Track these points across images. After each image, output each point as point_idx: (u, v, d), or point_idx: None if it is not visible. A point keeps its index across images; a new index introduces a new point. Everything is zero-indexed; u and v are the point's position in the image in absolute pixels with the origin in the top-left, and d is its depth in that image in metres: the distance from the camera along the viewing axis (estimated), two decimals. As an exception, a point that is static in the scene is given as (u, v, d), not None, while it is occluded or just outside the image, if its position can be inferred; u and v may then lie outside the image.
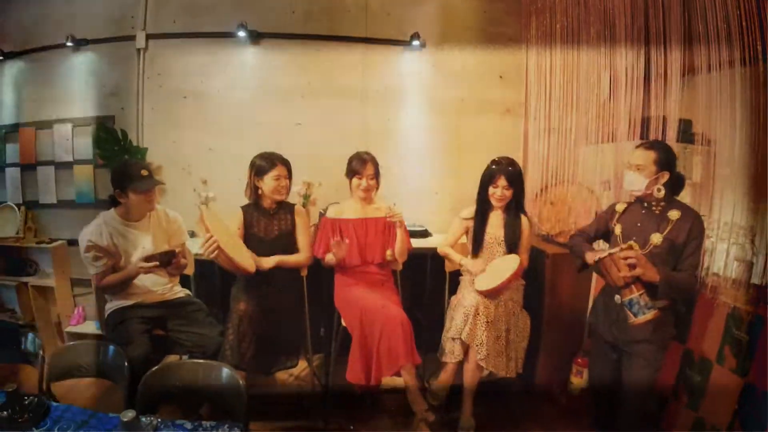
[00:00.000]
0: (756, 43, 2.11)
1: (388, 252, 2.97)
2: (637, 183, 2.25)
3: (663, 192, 2.21)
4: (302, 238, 2.96)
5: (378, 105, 3.84)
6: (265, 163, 2.84)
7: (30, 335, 2.33)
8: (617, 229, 2.36)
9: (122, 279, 2.58)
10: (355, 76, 3.79)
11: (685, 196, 2.39)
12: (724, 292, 2.34)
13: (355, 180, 2.94)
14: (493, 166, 2.83)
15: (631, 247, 2.19)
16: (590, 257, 2.30)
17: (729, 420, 2.26)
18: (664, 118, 2.63)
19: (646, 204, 2.30)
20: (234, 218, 2.86)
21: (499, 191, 2.80)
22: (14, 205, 3.88)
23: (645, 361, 2.26)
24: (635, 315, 2.10)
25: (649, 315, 2.08)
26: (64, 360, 2.21)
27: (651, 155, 2.22)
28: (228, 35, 3.67)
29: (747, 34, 2.14)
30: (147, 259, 2.45)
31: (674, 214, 2.19)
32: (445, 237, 3.08)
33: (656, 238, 2.20)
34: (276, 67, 3.76)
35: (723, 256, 2.35)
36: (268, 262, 2.75)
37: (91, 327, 3.79)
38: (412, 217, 3.54)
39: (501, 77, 3.90)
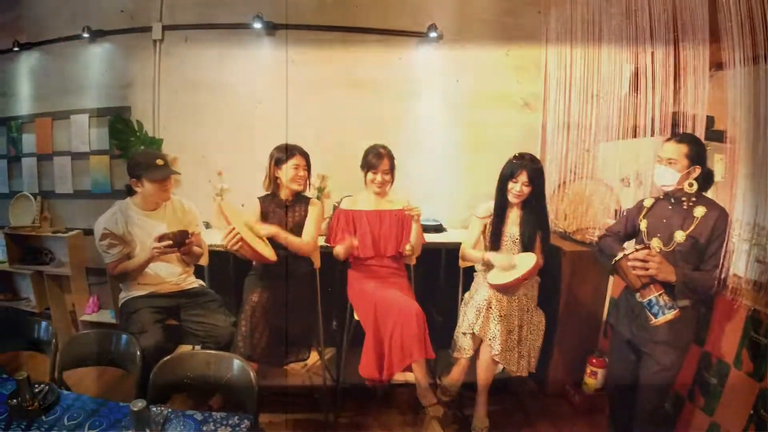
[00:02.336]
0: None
1: (407, 246, 2.93)
2: (668, 177, 2.19)
3: (695, 187, 2.15)
4: (309, 227, 2.92)
5: (393, 97, 3.79)
6: (284, 154, 2.85)
7: (43, 323, 2.35)
8: (642, 225, 2.31)
9: (136, 265, 2.59)
10: (370, 68, 3.75)
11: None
12: (744, 294, 2.28)
13: (369, 174, 2.91)
14: (515, 161, 2.75)
15: (647, 247, 2.14)
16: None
17: (744, 425, 2.21)
18: (687, 114, 2.57)
19: (674, 199, 2.23)
20: (251, 208, 2.87)
21: (518, 187, 2.72)
22: (30, 195, 3.90)
23: (662, 364, 2.21)
24: (655, 316, 2.06)
25: (670, 315, 2.04)
26: (76, 349, 2.22)
27: (683, 149, 2.17)
28: (244, 26, 3.66)
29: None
30: (160, 238, 2.45)
31: (699, 211, 2.13)
32: (467, 238, 2.99)
33: (679, 236, 2.14)
34: (291, 59, 3.72)
35: (744, 257, 2.28)
36: (267, 229, 2.76)
37: (105, 316, 3.81)
38: (427, 211, 3.47)
39: (519, 70, 3.85)
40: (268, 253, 2.59)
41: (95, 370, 2.54)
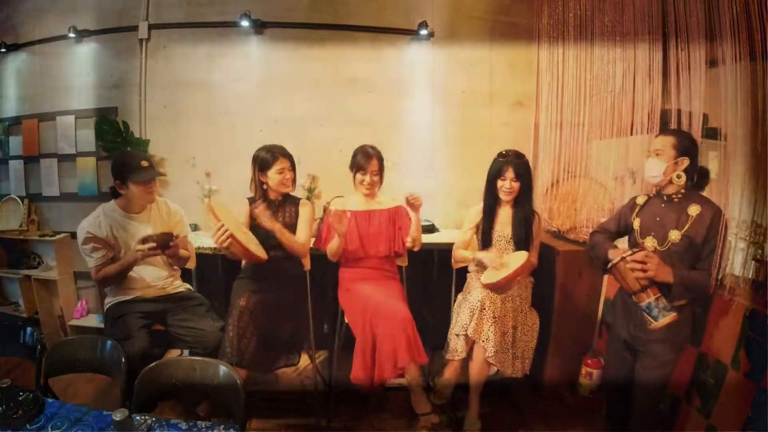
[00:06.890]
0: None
1: (409, 239, 2.89)
2: (655, 168, 2.16)
3: (683, 179, 2.12)
4: (302, 227, 2.89)
5: (384, 96, 3.77)
6: (267, 157, 2.79)
7: (28, 329, 2.30)
8: (636, 224, 2.28)
9: (120, 268, 2.52)
10: (361, 67, 3.73)
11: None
12: (741, 294, 2.24)
13: (358, 175, 2.88)
14: (500, 159, 2.76)
15: (643, 249, 2.11)
16: (612, 254, 2.19)
17: (741, 427, 2.17)
18: (681, 112, 2.54)
19: (666, 197, 2.20)
20: (240, 209, 2.82)
21: (507, 184, 2.72)
22: (18, 198, 3.88)
23: (659, 362, 2.19)
24: (655, 319, 2.03)
25: (669, 318, 2.01)
26: (61, 355, 2.16)
27: (670, 140, 2.15)
28: (232, 25, 3.62)
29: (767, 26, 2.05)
30: (143, 240, 2.39)
31: (694, 210, 2.10)
32: (459, 239, 2.96)
33: (674, 235, 2.11)
34: (280, 58, 3.71)
35: (741, 255, 2.25)
36: (269, 223, 2.67)
37: (94, 320, 3.78)
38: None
39: (512, 68, 3.82)
40: (259, 251, 2.53)
41: (83, 376, 2.49)
